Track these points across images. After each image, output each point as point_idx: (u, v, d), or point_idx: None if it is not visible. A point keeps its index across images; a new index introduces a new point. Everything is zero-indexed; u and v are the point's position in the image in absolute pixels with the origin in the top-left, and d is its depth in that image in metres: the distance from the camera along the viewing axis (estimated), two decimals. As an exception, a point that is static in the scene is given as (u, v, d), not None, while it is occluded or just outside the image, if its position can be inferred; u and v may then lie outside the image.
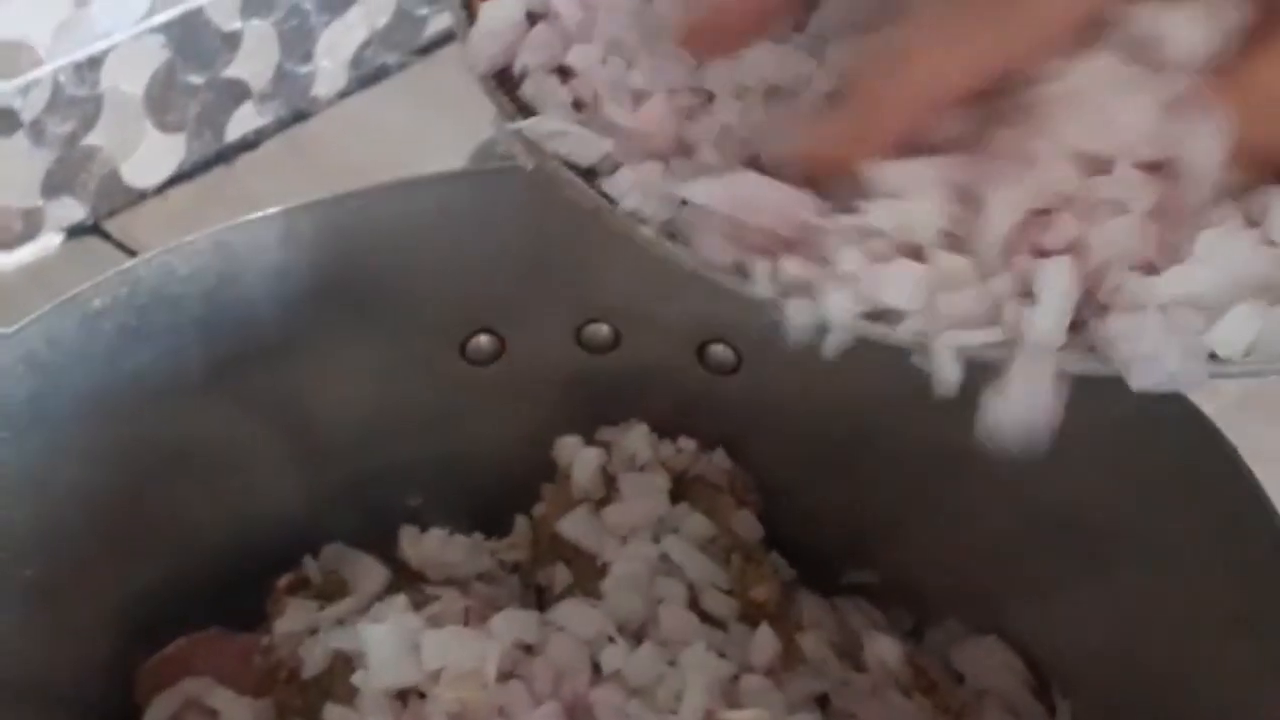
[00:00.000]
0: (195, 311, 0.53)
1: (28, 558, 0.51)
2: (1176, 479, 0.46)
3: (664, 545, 0.54)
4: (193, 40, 0.80)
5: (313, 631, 0.54)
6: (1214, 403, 0.45)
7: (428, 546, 0.57)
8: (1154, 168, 0.31)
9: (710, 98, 0.37)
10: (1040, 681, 0.53)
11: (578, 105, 0.37)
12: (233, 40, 0.82)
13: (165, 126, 0.82)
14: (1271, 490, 0.44)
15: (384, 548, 0.58)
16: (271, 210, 0.53)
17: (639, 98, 0.37)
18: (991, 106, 0.33)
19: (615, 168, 0.36)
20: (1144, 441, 0.45)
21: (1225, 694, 0.44)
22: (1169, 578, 0.47)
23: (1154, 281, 0.31)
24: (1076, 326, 0.31)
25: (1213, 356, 0.30)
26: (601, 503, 0.56)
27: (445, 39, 0.91)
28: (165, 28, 0.79)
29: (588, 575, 0.54)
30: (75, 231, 0.80)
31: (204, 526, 0.56)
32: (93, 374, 0.52)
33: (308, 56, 0.86)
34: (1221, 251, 0.31)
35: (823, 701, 0.51)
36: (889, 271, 0.32)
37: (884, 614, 0.57)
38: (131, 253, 0.78)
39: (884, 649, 0.52)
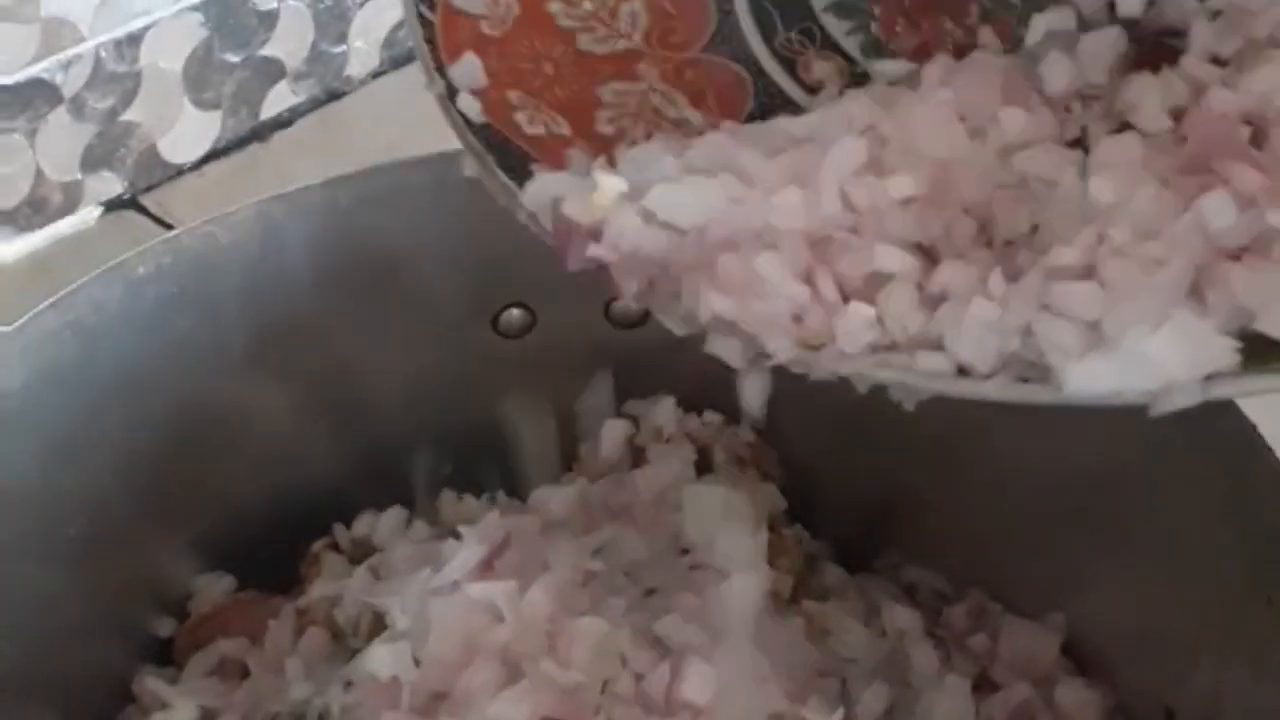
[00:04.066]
0: (236, 281, 0.54)
1: (71, 518, 0.53)
2: (1195, 454, 0.47)
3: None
4: (230, 19, 0.81)
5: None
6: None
7: (468, 509, 0.58)
8: None
9: None
10: (1067, 654, 0.53)
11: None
12: (269, 20, 0.83)
13: (202, 104, 0.83)
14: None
15: (417, 517, 0.59)
16: (312, 182, 0.54)
17: None
18: None
19: None
20: (1162, 417, 0.46)
21: (1238, 658, 0.45)
22: (1186, 549, 0.48)
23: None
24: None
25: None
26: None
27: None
28: (203, 6, 0.80)
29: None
30: (113, 205, 0.81)
31: (241, 492, 0.58)
32: (135, 341, 0.53)
33: (342, 37, 0.88)
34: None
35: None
36: None
37: (907, 591, 0.58)
38: (168, 227, 0.79)
39: (903, 619, 0.53)
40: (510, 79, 0.41)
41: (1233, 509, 0.46)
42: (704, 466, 0.57)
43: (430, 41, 0.41)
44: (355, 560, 0.57)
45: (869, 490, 0.59)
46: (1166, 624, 0.49)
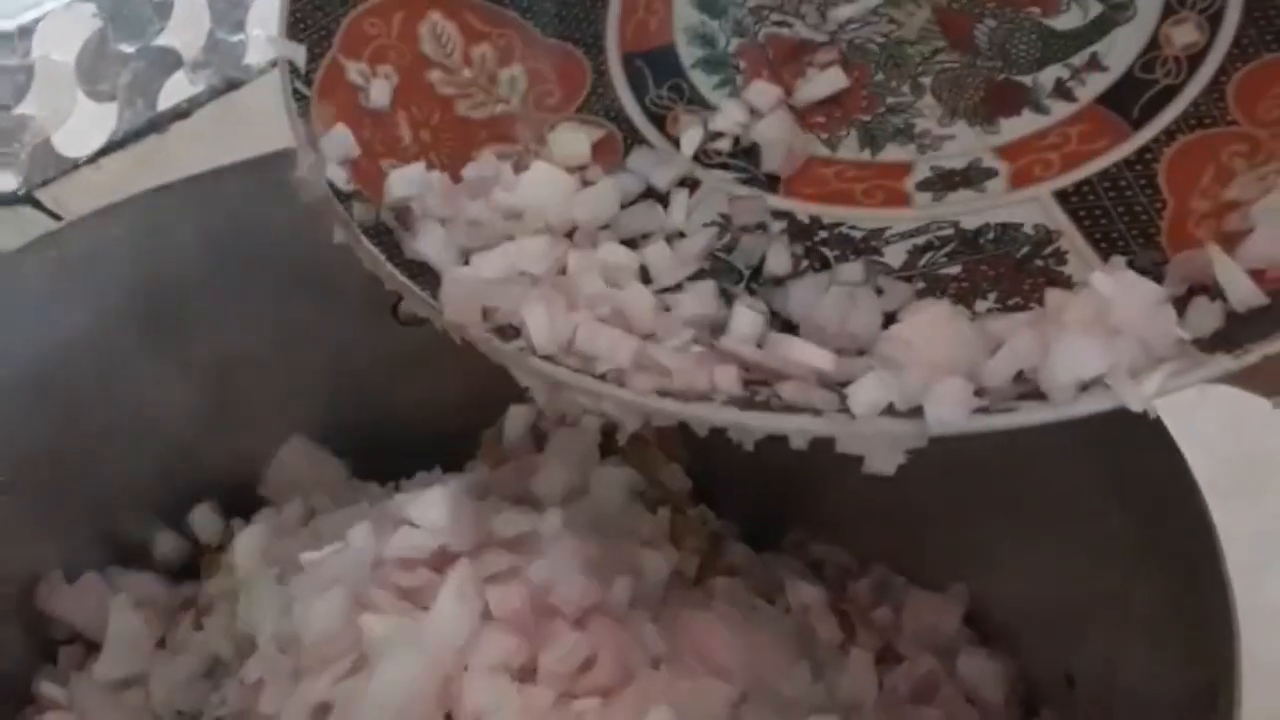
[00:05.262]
0: (125, 273, 0.54)
1: (-37, 515, 0.52)
2: (1086, 428, 0.47)
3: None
4: (124, 9, 0.80)
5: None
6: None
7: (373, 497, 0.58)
8: None
9: None
10: (969, 626, 0.54)
11: None
12: (164, 9, 0.82)
13: (97, 95, 0.82)
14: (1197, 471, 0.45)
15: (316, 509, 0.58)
16: (200, 171, 0.54)
17: None
18: None
19: None
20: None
21: (1134, 626, 0.46)
22: (1080, 522, 0.48)
23: None
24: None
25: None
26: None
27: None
28: (96, -3, 0.79)
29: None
30: (8, 201, 0.80)
31: (137, 487, 0.57)
32: (24, 336, 0.53)
33: (239, 25, 0.87)
34: None
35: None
36: None
37: (813, 567, 0.58)
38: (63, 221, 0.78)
39: (806, 595, 0.53)
40: (384, 149, 0.42)
41: (1124, 479, 0.46)
42: (608, 449, 0.57)
43: (304, 116, 0.42)
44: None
45: (773, 469, 0.58)
46: (1063, 594, 0.49)
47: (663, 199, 0.42)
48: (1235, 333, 0.33)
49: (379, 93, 0.44)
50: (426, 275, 0.39)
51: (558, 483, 0.55)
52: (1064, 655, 0.49)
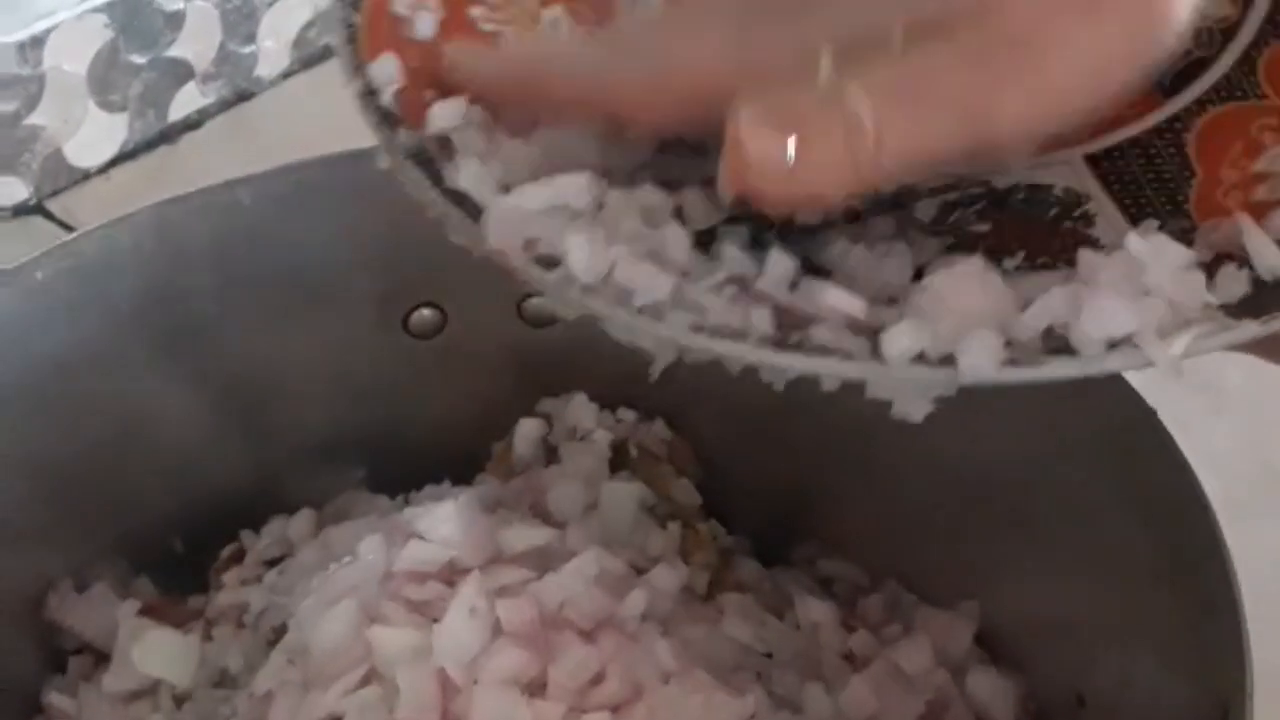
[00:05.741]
0: (136, 284, 0.54)
1: (-29, 525, 0.52)
2: (1098, 442, 0.48)
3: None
4: (135, 20, 0.80)
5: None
6: (1140, 374, 0.46)
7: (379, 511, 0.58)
8: None
9: None
10: (980, 644, 0.54)
11: None
12: (176, 20, 0.82)
13: (108, 106, 0.82)
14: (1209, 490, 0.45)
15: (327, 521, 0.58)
16: (212, 183, 0.54)
17: None
18: None
19: None
20: (1066, 404, 0.46)
21: (1145, 645, 0.45)
22: (1093, 538, 0.48)
23: None
24: None
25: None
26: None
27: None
28: (108, 7, 0.79)
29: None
30: (19, 211, 0.80)
31: (148, 498, 0.57)
32: (35, 347, 0.53)
33: (251, 37, 0.87)
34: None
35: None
36: None
37: (823, 584, 0.58)
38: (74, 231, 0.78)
39: (817, 612, 0.53)
40: (429, 80, 0.42)
41: (1136, 497, 0.46)
42: (618, 464, 0.57)
43: (353, 42, 0.42)
44: (271, 564, 0.56)
45: (784, 484, 0.59)
46: (1075, 612, 0.49)
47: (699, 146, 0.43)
48: (1262, 299, 0.33)
49: (424, 24, 0.44)
50: (467, 204, 0.39)
51: (577, 500, 0.55)
52: (1075, 674, 0.49)
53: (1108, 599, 0.47)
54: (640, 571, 0.52)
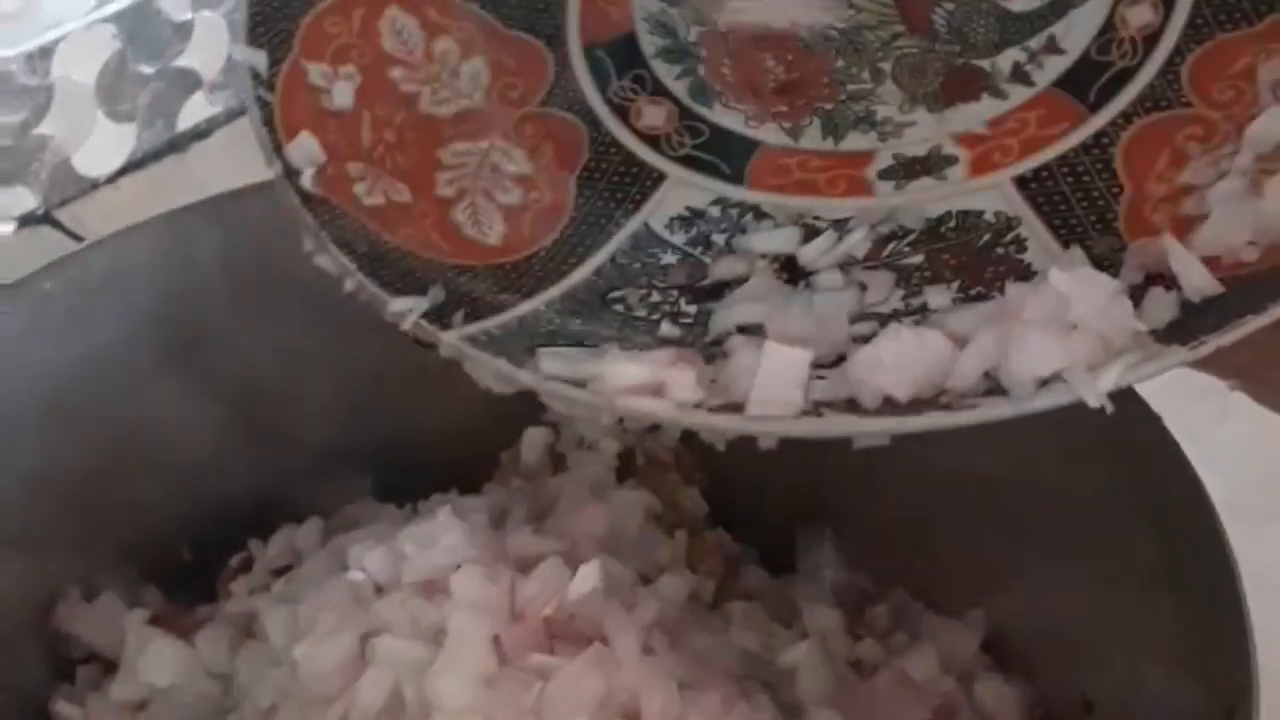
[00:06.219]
0: (146, 294, 0.54)
1: (-19, 532, 0.52)
2: (1105, 451, 0.47)
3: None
4: (144, 30, 0.81)
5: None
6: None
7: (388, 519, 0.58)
8: None
9: None
10: (986, 651, 0.54)
11: None
12: (183, 30, 0.83)
13: (117, 116, 0.82)
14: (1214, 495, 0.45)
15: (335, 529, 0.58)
16: (221, 193, 0.54)
17: None
18: None
19: None
20: (1070, 409, 0.46)
21: (1151, 650, 0.45)
22: (1099, 545, 0.48)
23: None
24: None
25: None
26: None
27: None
28: (116, 17, 0.79)
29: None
30: (27, 221, 0.80)
31: (156, 508, 0.57)
32: (44, 357, 0.53)
33: (259, 47, 0.87)
34: None
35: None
36: None
37: (830, 592, 0.58)
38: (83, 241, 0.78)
39: (824, 620, 0.53)
40: (350, 152, 0.42)
41: (1141, 502, 0.46)
42: (626, 472, 0.57)
43: (269, 123, 0.42)
44: (279, 573, 0.57)
45: (790, 492, 0.59)
46: (1081, 619, 0.49)
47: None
48: (1191, 323, 0.33)
49: (342, 94, 0.43)
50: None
51: (584, 508, 0.55)
52: (1081, 680, 0.49)
53: (1114, 604, 0.47)
54: (647, 580, 0.52)
